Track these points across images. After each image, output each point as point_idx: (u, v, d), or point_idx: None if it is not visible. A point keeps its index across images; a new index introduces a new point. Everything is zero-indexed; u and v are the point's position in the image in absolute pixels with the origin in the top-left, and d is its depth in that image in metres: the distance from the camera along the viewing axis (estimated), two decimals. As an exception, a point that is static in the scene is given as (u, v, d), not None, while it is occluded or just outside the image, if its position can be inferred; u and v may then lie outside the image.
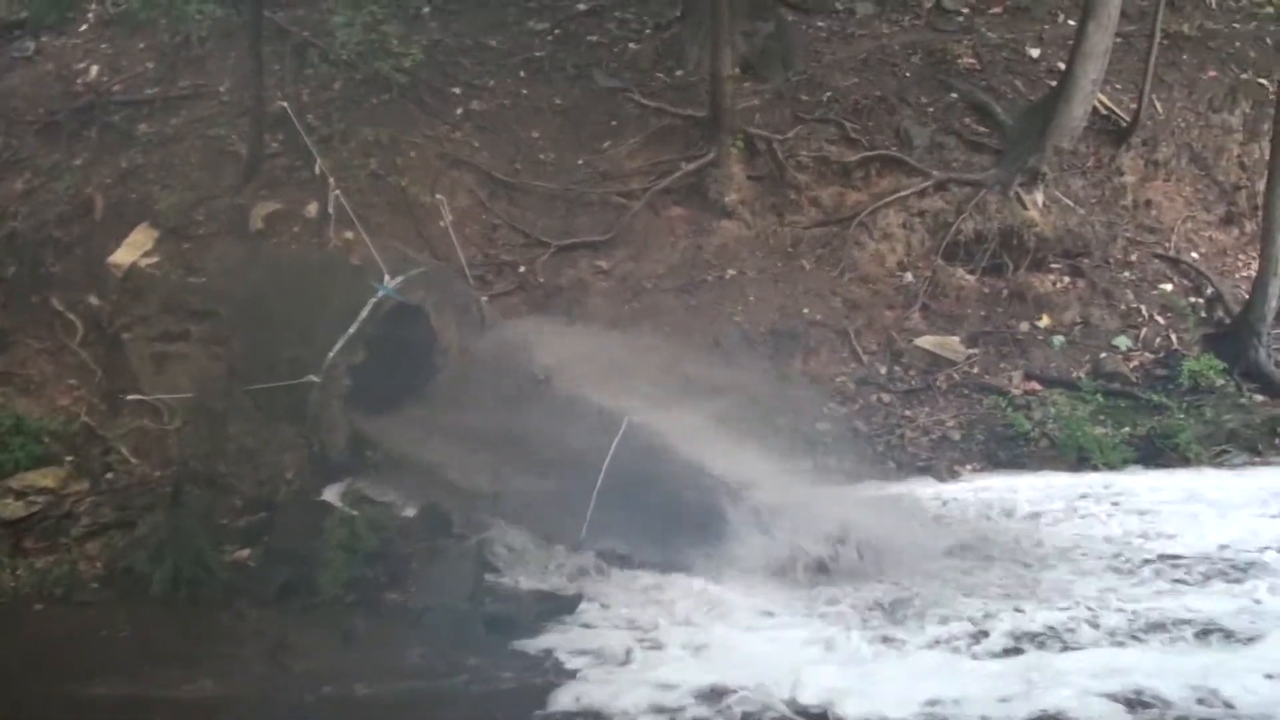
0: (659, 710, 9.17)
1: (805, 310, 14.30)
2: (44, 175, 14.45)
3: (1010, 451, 13.05)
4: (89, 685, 9.94)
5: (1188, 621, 9.82)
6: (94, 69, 15.59)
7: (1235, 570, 10.72)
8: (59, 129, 14.84)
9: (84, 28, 16.13)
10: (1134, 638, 9.69)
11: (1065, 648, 9.60)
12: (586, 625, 10.44)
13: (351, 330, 12.12)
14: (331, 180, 13.46)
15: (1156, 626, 9.79)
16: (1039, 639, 9.74)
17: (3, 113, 15.14)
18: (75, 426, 12.70)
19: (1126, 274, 15.08)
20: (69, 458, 12.44)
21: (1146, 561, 10.92)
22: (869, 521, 11.30)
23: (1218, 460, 12.83)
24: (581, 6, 16.69)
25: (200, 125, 14.70)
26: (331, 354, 12.04)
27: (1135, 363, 14.26)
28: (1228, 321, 14.64)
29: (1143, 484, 12.45)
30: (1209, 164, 15.95)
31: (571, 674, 9.75)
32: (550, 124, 15.36)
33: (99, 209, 13.96)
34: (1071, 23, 16.16)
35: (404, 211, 14.16)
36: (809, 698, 9.09)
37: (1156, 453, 12.91)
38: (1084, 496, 12.20)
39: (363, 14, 14.59)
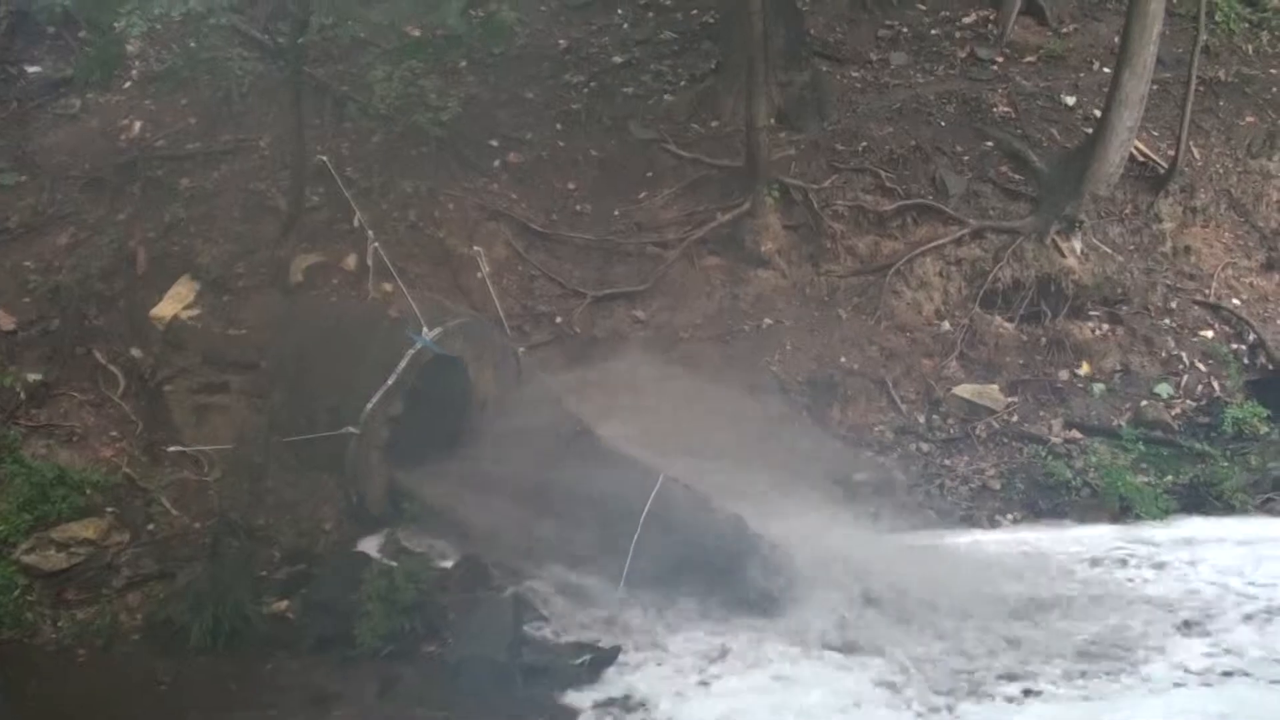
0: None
1: (842, 359, 14.27)
2: (88, 229, 14.62)
3: (1051, 501, 12.94)
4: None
5: None
6: (138, 125, 15.79)
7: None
8: (103, 184, 15.01)
9: (128, 84, 16.34)
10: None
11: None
12: (625, 676, 10.39)
13: (390, 382, 12.18)
14: (370, 233, 13.57)
15: None
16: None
17: (48, 169, 15.34)
18: (117, 478, 12.78)
19: (1166, 321, 14.97)
20: (110, 509, 12.51)
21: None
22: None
23: (1265, 508, 12.66)
24: (617, 59, 16.81)
25: (241, 179, 14.85)
26: (370, 405, 12.09)
27: (1177, 410, 14.13)
28: (1270, 368, 14.50)
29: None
30: (1248, 210, 15.84)
31: (610, 726, 9.71)
32: (587, 175, 15.44)
33: (141, 262, 14.11)
34: (1107, 70, 16.14)
35: (442, 263, 14.24)
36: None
37: (1200, 501, 12.75)
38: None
39: (401, 69, 14.74)
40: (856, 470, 13.14)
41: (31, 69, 16.82)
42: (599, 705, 10.00)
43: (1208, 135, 16.15)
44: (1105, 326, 14.86)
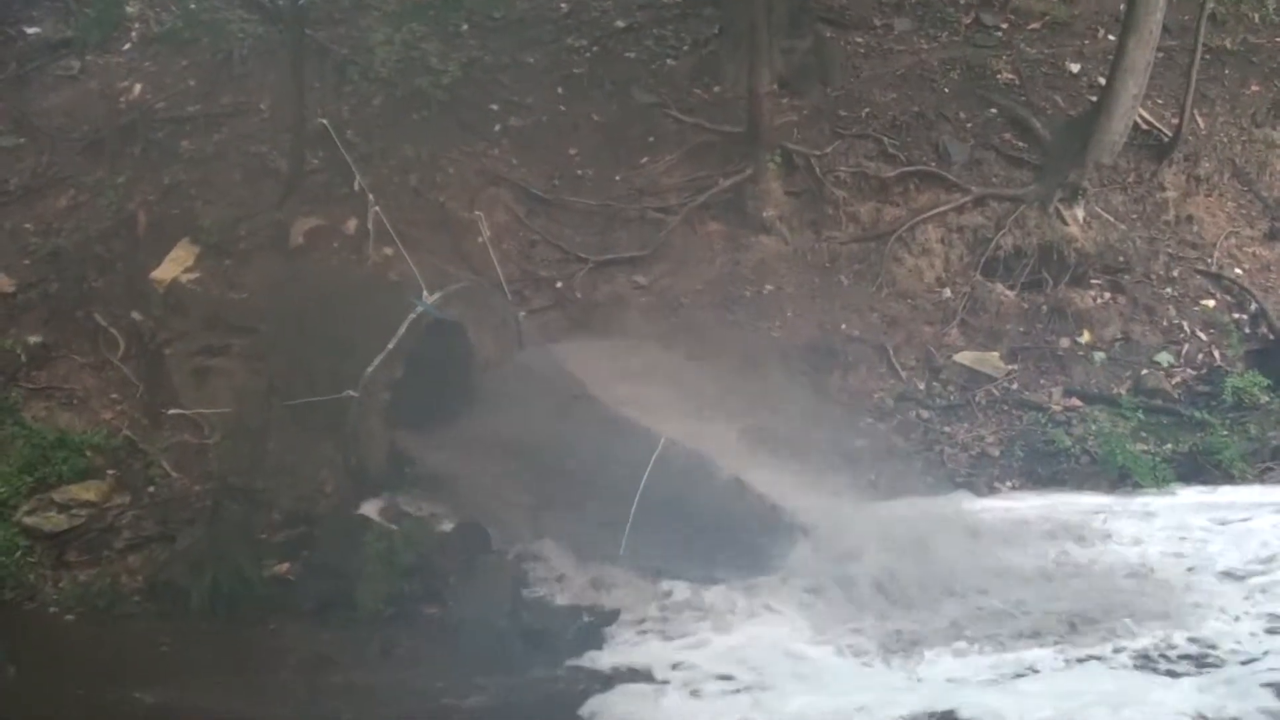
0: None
1: (843, 326, 14.24)
2: (88, 192, 14.60)
3: (1050, 468, 12.93)
4: (129, 697, 10.05)
5: None
6: (138, 87, 15.74)
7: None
8: (103, 146, 14.99)
9: (128, 46, 16.28)
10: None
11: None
12: (623, 639, 10.43)
13: (390, 346, 12.18)
14: (371, 197, 13.55)
15: None
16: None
17: (48, 131, 15.31)
18: (117, 441, 12.82)
19: (1168, 290, 14.94)
20: (111, 471, 12.56)
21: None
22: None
23: (1263, 477, 12.68)
24: (620, 23, 16.71)
25: (242, 142, 14.81)
26: (370, 369, 12.10)
27: (1177, 379, 14.11)
28: (1271, 338, 14.47)
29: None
30: (1252, 179, 15.77)
31: (608, 688, 9.74)
32: (588, 140, 15.38)
33: (141, 225, 14.09)
34: (1112, 38, 16.06)
35: (443, 228, 14.21)
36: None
37: (1199, 470, 12.76)
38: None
39: (402, 32, 14.67)
40: (856, 437, 13.14)
41: (31, 30, 16.77)
42: (598, 666, 10.03)
43: (1212, 104, 16.07)
44: (1107, 295, 14.82)
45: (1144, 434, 13.27)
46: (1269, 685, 9.51)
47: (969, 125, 15.57)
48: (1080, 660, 10.03)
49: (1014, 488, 12.79)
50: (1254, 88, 16.28)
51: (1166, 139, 15.55)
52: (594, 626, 10.52)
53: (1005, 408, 13.74)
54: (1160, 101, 15.90)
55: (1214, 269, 15.17)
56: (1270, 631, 10.31)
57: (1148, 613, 10.57)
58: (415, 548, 11.21)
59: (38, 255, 14.09)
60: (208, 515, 11.85)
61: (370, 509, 12.04)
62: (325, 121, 14.20)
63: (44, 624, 11.27)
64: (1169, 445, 13.09)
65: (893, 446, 13.16)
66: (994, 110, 15.72)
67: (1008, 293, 14.72)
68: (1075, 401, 13.75)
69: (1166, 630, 10.32)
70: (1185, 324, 14.63)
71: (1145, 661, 10.02)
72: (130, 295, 13.67)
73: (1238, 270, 15.23)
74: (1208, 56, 15.99)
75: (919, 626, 10.53)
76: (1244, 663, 9.90)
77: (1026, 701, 9.42)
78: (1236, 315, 14.81)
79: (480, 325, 12.94)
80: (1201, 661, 9.99)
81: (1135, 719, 9.19)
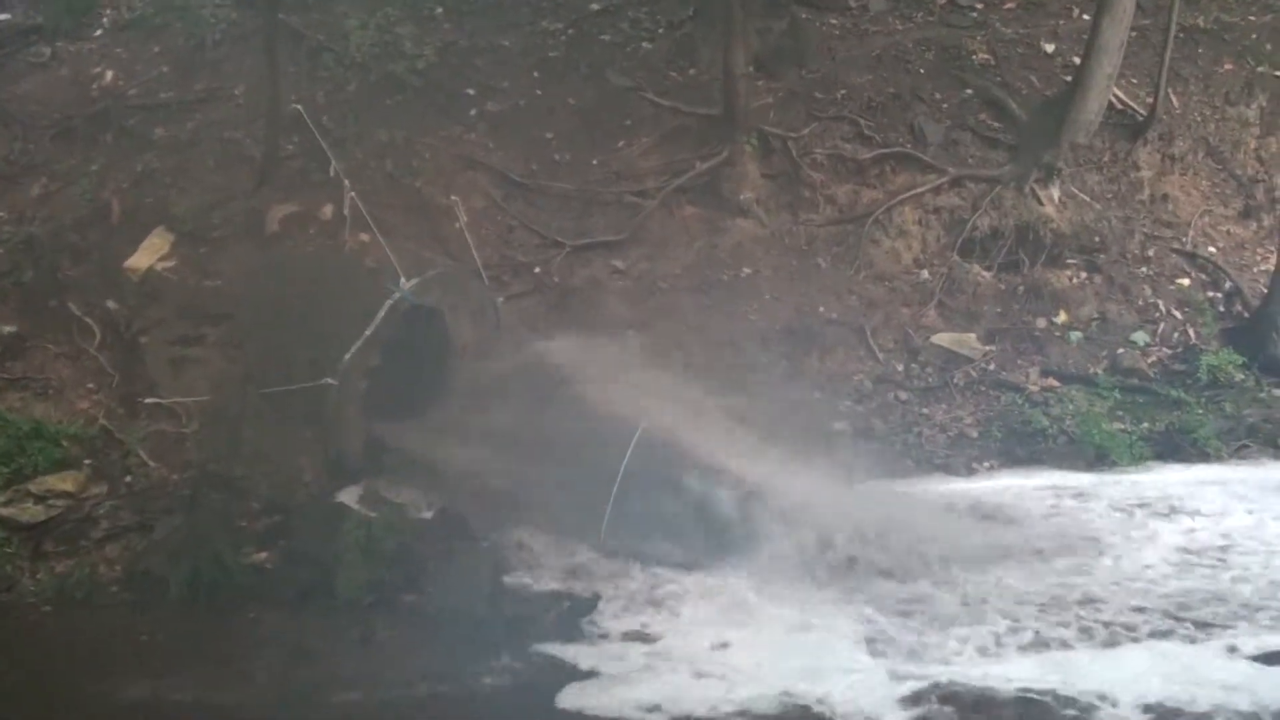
0: (672, 710, 9.21)
1: (821, 308, 14.28)
2: (60, 180, 14.51)
3: (1028, 448, 13.00)
4: (109, 687, 10.00)
5: None
6: (109, 73, 15.63)
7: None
8: (75, 134, 14.89)
9: (99, 32, 16.16)
10: None
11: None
12: (603, 625, 10.45)
13: (367, 333, 12.16)
14: (347, 182, 13.51)
15: None
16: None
17: (19, 118, 15.20)
18: (93, 430, 12.74)
19: (1143, 269, 15.02)
20: (87, 461, 12.49)
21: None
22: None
23: (1238, 455, 12.76)
24: (594, 6, 16.66)
25: (215, 129, 14.74)
26: (347, 356, 12.06)
27: (1153, 358, 14.19)
28: (1246, 316, 14.57)
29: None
30: (1226, 158, 15.86)
31: (588, 675, 9.76)
32: (565, 124, 15.35)
33: (115, 213, 14.01)
34: (1086, 17, 16.09)
35: (419, 213, 14.17)
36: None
37: (1175, 448, 12.84)
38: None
39: (376, 16, 14.63)
40: (835, 419, 13.18)
41: (0, 17, 16.59)
42: (577, 652, 10.04)
43: (1186, 83, 16.14)
44: (1083, 275, 14.89)
45: (1120, 413, 13.35)
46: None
47: (944, 106, 15.60)
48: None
49: (991, 468, 12.84)
50: (1227, 66, 16.34)
51: (1141, 118, 15.61)
52: (573, 613, 10.52)
53: (983, 389, 13.81)
54: (1135, 81, 15.96)
55: (1189, 248, 15.26)
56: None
57: None
58: (394, 535, 11.19)
59: (11, 244, 13.99)
60: (186, 504, 11.80)
61: (349, 497, 12.01)
62: (300, 107, 14.15)
63: (21, 615, 11.20)
64: (1145, 424, 13.18)
65: (872, 428, 13.20)
66: (969, 91, 15.76)
67: (985, 274, 14.77)
68: (1052, 382, 13.81)
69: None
70: (1161, 303, 14.71)
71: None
72: (105, 284, 13.58)
73: (1212, 249, 15.33)
74: (1181, 35, 16.06)
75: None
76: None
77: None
78: (1211, 294, 14.91)
79: (458, 311, 12.92)
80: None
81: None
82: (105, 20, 16.27)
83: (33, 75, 15.88)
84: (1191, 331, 14.46)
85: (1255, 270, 15.21)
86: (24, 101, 15.43)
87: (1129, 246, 15.10)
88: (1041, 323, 14.47)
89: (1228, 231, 15.53)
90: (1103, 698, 9.25)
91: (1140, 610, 10.33)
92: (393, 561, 11.04)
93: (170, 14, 14.48)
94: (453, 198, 14.27)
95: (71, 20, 15.15)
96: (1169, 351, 14.28)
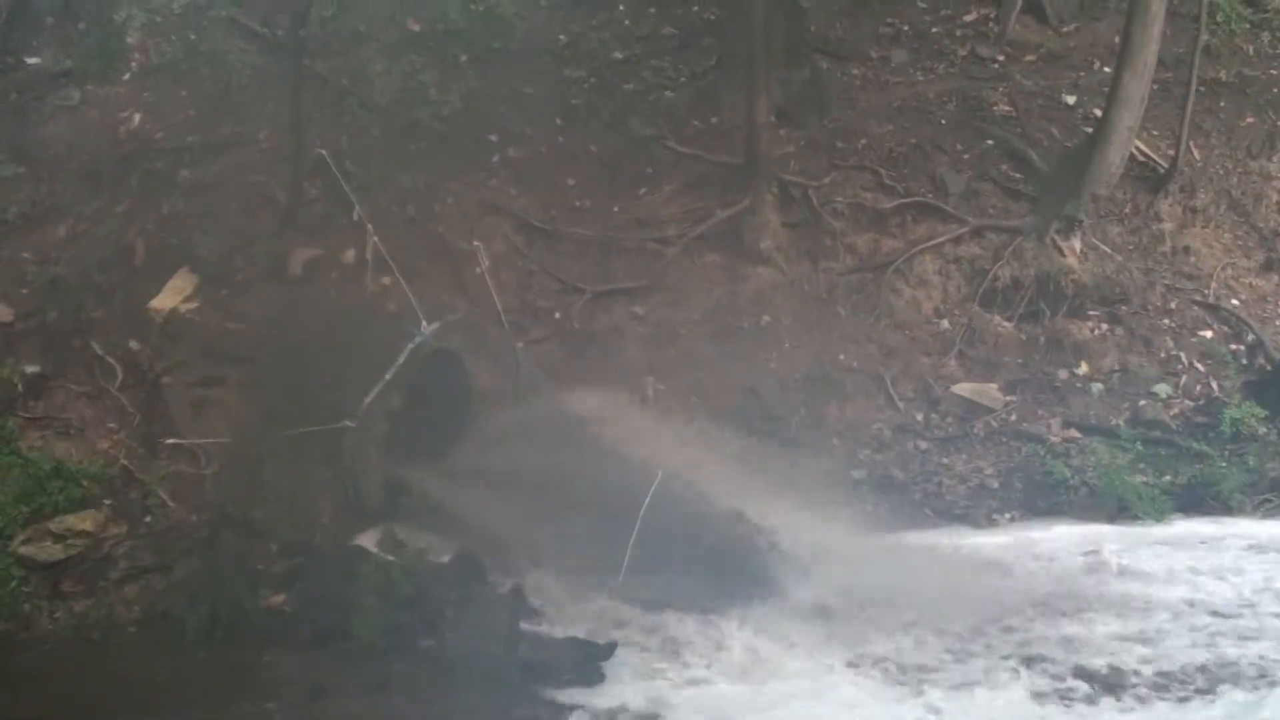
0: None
1: (841, 357, 14.25)
2: (86, 221, 14.61)
3: (1049, 500, 12.92)
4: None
5: None
6: (137, 117, 15.78)
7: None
8: (101, 176, 15.00)
9: (127, 76, 16.31)
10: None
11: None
12: (621, 671, 10.39)
13: (388, 376, 12.18)
14: (369, 227, 13.57)
15: None
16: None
17: (47, 160, 15.32)
18: (114, 470, 12.76)
19: (1165, 321, 14.97)
20: (107, 501, 12.50)
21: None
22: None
23: (1261, 509, 12.67)
24: (618, 55, 16.78)
25: (240, 172, 14.83)
26: (368, 399, 12.08)
27: (1175, 410, 14.11)
28: (1269, 369, 14.49)
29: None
30: (1248, 210, 15.83)
31: (607, 722, 9.71)
32: (586, 171, 15.42)
33: (140, 255, 14.10)
34: (1107, 70, 16.12)
35: (441, 258, 14.23)
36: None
37: (1198, 501, 12.75)
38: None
39: (401, 62, 14.68)
40: (854, 468, 13.14)
41: (31, 60, 16.81)
42: (596, 699, 9.99)
43: (1208, 136, 16.15)
44: (1104, 326, 14.85)
45: (1142, 465, 13.26)
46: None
47: (966, 157, 15.63)
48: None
49: (1012, 519, 12.77)
50: (1249, 120, 16.35)
51: (1163, 170, 15.62)
52: (592, 659, 10.46)
53: (1004, 439, 13.75)
54: (1156, 133, 15.97)
55: (1211, 300, 15.20)
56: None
57: None
58: (412, 579, 11.15)
59: (36, 284, 14.08)
60: (204, 545, 11.80)
61: (367, 540, 12.00)
62: (324, 152, 14.22)
63: (39, 654, 11.18)
64: (1168, 477, 13.09)
65: (891, 478, 13.16)
66: (990, 142, 15.79)
67: (1005, 324, 14.73)
68: (1074, 433, 13.74)
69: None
70: (1183, 355, 14.65)
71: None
72: (128, 324, 13.64)
73: (1234, 301, 15.27)
74: (1203, 89, 16.08)
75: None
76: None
77: None
78: (1234, 346, 14.83)
79: (478, 356, 12.95)
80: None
81: None
82: (134, 65, 16.39)
83: (61, 118, 16.03)
84: (1214, 384, 14.39)
85: (1277, 323, 15.12)
86: (52, 144, 15.56)
87: (1151, 298, 15.05)
88: (1063, 374, 14.42)
89: (1250, 284, 15.48)
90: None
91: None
92: (410, 605, 11.00)
93: (198, 59, 14.57)
94: (474, 243, 14.32)
95: (101, 65, 15.26)
96: (1191, 404, 14.21)
